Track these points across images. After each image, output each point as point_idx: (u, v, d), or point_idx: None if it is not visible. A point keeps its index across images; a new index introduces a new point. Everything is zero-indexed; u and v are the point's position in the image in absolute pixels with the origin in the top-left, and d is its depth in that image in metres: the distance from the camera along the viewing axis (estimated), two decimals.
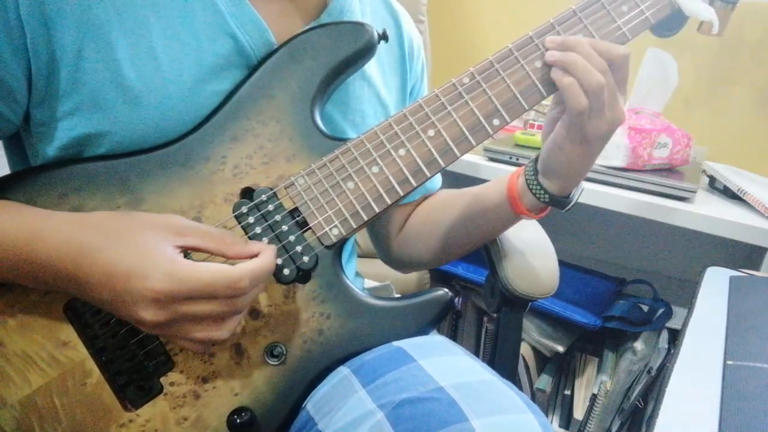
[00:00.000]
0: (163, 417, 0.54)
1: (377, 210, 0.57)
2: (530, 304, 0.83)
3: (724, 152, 1.35)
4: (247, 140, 0.57)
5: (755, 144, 1.35)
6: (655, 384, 1.23)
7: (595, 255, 1.54)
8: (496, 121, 0.59)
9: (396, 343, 0.56)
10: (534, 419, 0.47)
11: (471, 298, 1.46)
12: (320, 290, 0.57)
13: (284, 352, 0.56)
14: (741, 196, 1.11)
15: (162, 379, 0.54)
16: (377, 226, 0.82)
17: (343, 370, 0.55)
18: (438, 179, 0.81)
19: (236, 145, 0.57)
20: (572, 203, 0.65)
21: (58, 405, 0.53)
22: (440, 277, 1.43)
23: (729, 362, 0.59)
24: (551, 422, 1.37)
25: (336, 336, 0.57)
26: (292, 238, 0.56)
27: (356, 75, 0.65)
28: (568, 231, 1.53)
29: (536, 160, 0.65)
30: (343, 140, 0.58)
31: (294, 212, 0.57)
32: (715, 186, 1.21)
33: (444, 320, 1.06)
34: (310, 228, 0.57)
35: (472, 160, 1.23)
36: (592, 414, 1.31)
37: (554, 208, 0.65)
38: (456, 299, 1.47)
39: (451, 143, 0.58)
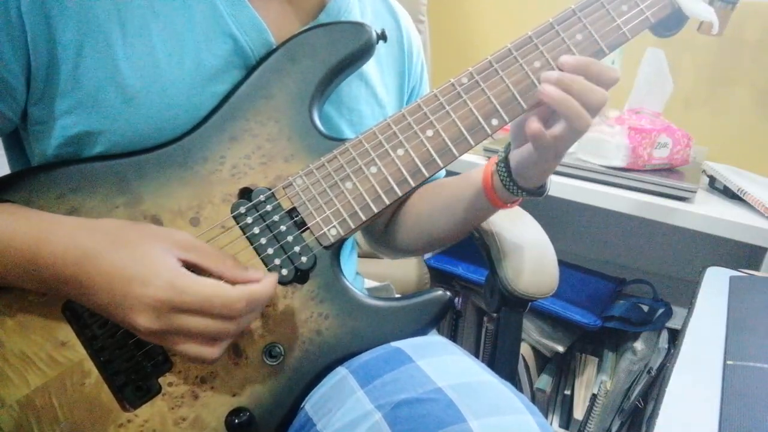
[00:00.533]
0: (162, 417, 0.54)
1: (375, 210, 0.57)
2: (530, 304, 0.83)
3: (724, 152, 1.35)
4: (245, 140, 0.57)
5: (755, 144, 1.34)
6: (655, 384, 1.23)
7: (595, 255, 1.54)
8: (494, 121, 0.58)
9: (394, 344, 0.56)
10: (532, 420, 0.47)
11: (471, 298, 1.46)
12: (319, 290, 0.57)
13: (282, 353, 0.56)
14: (741, 196, 1.11)
15: (160, 380, 0.54)
16: None
17: (341, 371, 0.55)
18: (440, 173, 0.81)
19: (234, 145, 0.57)
20: (546, 192, 0.67)
21: (56, 405, 0.53)
22: (440, 277, 1.43)
23: (729, 362, 0.59)
24: (551, 422, 1.37)
25: (334, 336, 0.57)
26: (290, 238, 0.56)
27: (354, 75, 0.65)
28: (568, 231, 1.52)
29: (506, 159, 0.64)
30: (342, 140, 0.58)
31: (292, 212, 0.57)
32: (715, 186, 1.21)
33: (443, 320, 1.06)
34: (308, 228, 0.57)
35: (472, 160, 1.23)
36: (592, 414, 1.30)
37: (530, 197, 0.66)
38: (456, 299, 1.47)
39: (449, 143, 0.58)
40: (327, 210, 0.57)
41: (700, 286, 0.78)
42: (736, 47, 1.32)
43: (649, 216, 1.08)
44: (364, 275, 0.86)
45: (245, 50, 0.58)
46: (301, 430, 0.55)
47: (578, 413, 1.32)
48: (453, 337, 1.51)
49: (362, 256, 1.40)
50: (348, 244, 0.75)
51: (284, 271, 0.56)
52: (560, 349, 1.33)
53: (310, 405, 0.55)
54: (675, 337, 1.24)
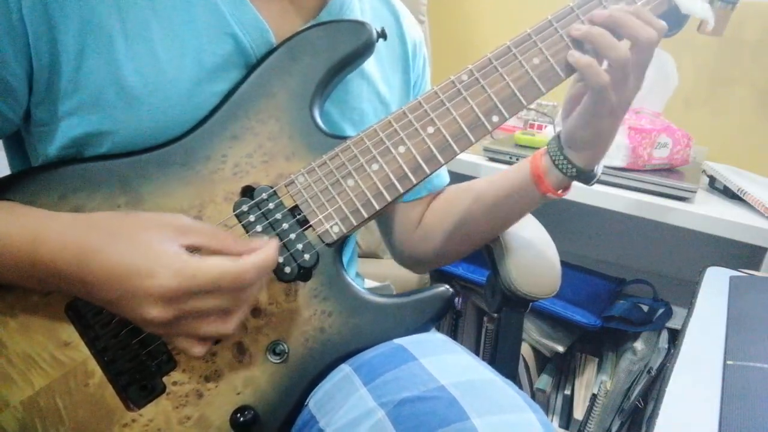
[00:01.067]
0: (166, 416, 0.54)
1: (377, 207, 0.57)
2: (531, 304, 0.83)
3: (724, 152, 1.35)
4: (246, 139, 0.57)
5: (755, 144, 1.35)
6: (655, 384, 1.23)
7: (595, 255, 1.54)
8: (495, 118, 0.59)
9: (397, 342, 0.56)
10: (535, 418, 0.47)
11: (471, 298, 1.46)
12: (321, 288, 0.57)
13: (286, 350, 0.56)
14: (741, 196, 1.11)
15: (164, 379, 0.54)
16: (391, 226, 0.82)
17: (344, 368, 0.55)
18: (445, 176, 0.81)
19: (236, 144, 0.57)
20: (597, 177, 0.67)
21: (60, 406, 0.52)
22: (440, 277, 1.43)
23: (729, 362, 0.59)
24: (551, 422, 1.37)
25: (337, 333, 0.57)
26: (292, 236, 0.56)
27: (355, 73, 0.65)
28: (569, 231, 1.52)
29: (557, 138, 0.65)
30: (343, 138, 0.59)
31: (294, 210, 0.57)
32: (715, 186, 1.21)
33: (445, 317, 1.06)
34: (310, 226, 0.57)
35: (472, 160, 1.23)
36: (592, 414, 1.31)
37: (580, 182, 0.67)
38: (456, 299, 1.47)
39: (450, 140, 0.58)
40: (329, 207, 0.57)
41: (700, 286, 0.78)
42: (736, 47, 1.32)
43: (649, 216, 1.08)
44: (364, 275, 0.86)
45: (246, 49, 0.58)
46: (304, 427, 0.55)
47: (578, 413, 1.32)
48: (453, 337, 1.51)
49: (362, 256, 1.40)
50: (350, 246, 0.75)
51: (287, 269, 0.56)
52: (560, 349, 1.33)
53: (313, 402, 0.55)
54: (675, 337, 1.24)
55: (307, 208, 0.57)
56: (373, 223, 0.80)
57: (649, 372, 1.24)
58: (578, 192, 1.12)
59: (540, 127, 1.34)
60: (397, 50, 0.73)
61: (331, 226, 0.57)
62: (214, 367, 0.55)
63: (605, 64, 0.58)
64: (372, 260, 1.39)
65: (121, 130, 0.54)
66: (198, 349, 0.51)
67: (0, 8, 0.49)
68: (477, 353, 1.46)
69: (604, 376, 1.30)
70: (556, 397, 1.39)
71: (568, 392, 1.35)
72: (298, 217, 0.57)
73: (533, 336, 1.35)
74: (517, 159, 1.20)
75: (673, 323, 1.32)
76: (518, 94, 0.58)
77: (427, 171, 0.58)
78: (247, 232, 0.56)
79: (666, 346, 1.26)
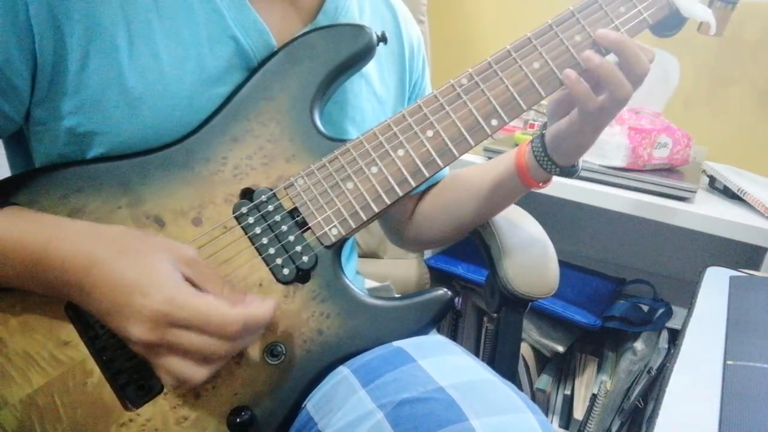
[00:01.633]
0: (163, 416, 0.54)
1: (376, 210, 0.57)
2: (530, 304, 0.83)
3: (724, 152, 1.35)
4: (247, 141, 0.57)
5: (755, 144, 1.35)
6: (655, 384, 1.23)
7: (595, 255, 1.54)
8: (494, 122, 0.59)
9: (396, 343, 0.56)
10: (534, 419, 0.47)
11: (471, 298, 1.46)
12: (320, 290, 0.57)
13: (284, 352, 0.56)
14: (741, 196, 1.11)
15: None
16: (387, 213, 0.83)
17: (342, 370, 0.55)
18: (445, 169, 0.82)
19: (236, 146, 0.57)
20: (578, 171, 0.70)
21: (58, 404, 0.53)
22: (440, 277, 1.43)
23: (729, 362, 0.59)
24: (551, 422, 1.37)
25: (335, 336, 0.57)
26: (291, 238, 0.56)
27: (356, 76, 0.65)
28: (569, 231, 1.53)
29: (541, 137, 0.67)
30: (343, 141, 0.59)
31: (293, 212, 0.57)
32: (715, 186, 1.21)
33: (444, 320, 1.06)
34: (309, 228, 0.57)
35: (472, 160, 1.23)
36: (592, 414, 1.31)
37: (563, 177, 0.70)
38: (456, 299, 1.47)
39: (449, 143, 0.58)
40: (328, 210, 0.57)
41: (700, 286, 0.78)
42: (736, 47, 1.32)
43: (649, 216, 1.08)
44: (364, 275, 0.86)
45: (247, 52, 0.58)
46: (302, 429, 0.55)
47: (578, 413, 1.32)
48: (453, 337, 1.51)
49: (362, 256, 1.40)
50: (348, 244, 0.75)
51: (285, 271, 0.56)
52: (560, 349, 1.33)
53: (311, 404, 0.55)
54: (675, 337, 1.24)
55: (306, 211, 0.57)
56: (373, 224, 0.80)
57: (649, 372, 1.24)
58: (578, 192, 1.12)
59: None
60: (395, 50, 0.73)
61: (330, 229, 0.57)
62: None
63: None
64: (372, 260, 1.40)
65: (122, 131, 0.54)
66: (170, 381, 0.50)
67: (7, 9, 0.50)
68: (477, 353, 1.46)
69: (604, 376, 1.30)
70: (556, 397, 1.39)
71: (568, 392, 1.35)
72: (297, 219, 0.57)
73: (533, 336, 1.35)
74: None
75: (673, 323, 1.32)
76: (518, 98, 0.59)
77: (427, 174, 0.58)
78: (246, 233, 0.56)
79: (666, 346, 1.26)
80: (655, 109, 1.15)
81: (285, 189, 0.57)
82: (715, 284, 0.78)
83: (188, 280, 0.49)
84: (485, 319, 1.45)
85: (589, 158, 1.16)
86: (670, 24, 0.63)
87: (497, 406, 0.47)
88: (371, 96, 0.69)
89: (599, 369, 1.34)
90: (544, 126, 0.68)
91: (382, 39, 0.61)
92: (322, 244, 0.57)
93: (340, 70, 0.60)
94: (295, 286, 0.57)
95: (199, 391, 0.54)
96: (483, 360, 0.56)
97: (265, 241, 0.56)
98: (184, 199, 0.56)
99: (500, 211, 0.79)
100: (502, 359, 0.84)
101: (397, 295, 0.83)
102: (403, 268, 1.33)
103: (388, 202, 0.58)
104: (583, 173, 1.13)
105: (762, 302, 0.72)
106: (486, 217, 0.79)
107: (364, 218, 0.57)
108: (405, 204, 0.82)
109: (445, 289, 0.59)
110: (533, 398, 1.35)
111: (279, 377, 0.56)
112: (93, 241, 0.50)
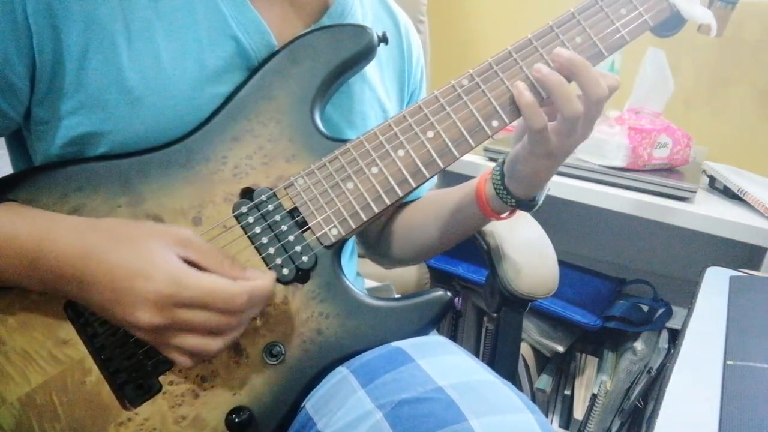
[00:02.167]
0: (162, 416, 0.54)
1: (376, 210, 0.57)
2: (530, 304, 0.83)
3: (724, 152, 1.35)
4: (247, 141, 0.57)
5: (755, 144, 1.35)
6: (655, 384, 1.23)
7: (595, 255, 1.54)
8: (495, 123, 0.59)
9: (395, 343, 0.56)
10: (533, 419, 0.47)
11: (471, 298, 1.46)
12: (319, 290, 0.57)
13: (283, 352, 0.56)
14: (741, 196, 1.11)
15: (161, 378, 0.54)
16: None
17: (342, 370, 0.55)
18: (425, 187, 0.80)
19: (236, 146, 0.57)
20: (537, 206, 0.66)
21: (57, 403, 0.53)
22: (440, 277, 1.43)
23: (729, 362, 0.59)
24: (551, 422, 1.37)
25: (335, 336, 0.57)
26: (291, 237, 0.56)
27: (357, 77, 0.65)
28: (568, 231, 1.52)
29: (503, 163, 0.65)
30: (343, 141, 0.59)
31: (293, 212, 0.57)
32: (715, 186, 1.21)
33: (443, 320, 1.06)
34: (309, 228, 0.57)
35: (472, 160, 1.23)
36: (592, 414, 1.31)
37: (521, 210, 0.66)
38: (456, 299, 1.47)
39: (450, 144, 0.58)
40: (328, 210, 0.57)
41: (700, 286, 0.78)
42: (736, 47, 1.32)
43: (649, 216, 1.08)
44: (364, 275, 0.87)
45: (247, 52, 0.58)
46: (301, 429, 0.55)
47: (578, 413, 1.32)
48: (453, 337, 1.51)
49: (362, 256, 1.40)
50: (348, 246, 0.75)
51: (285, 271, 0.56)
52: (560, 349, 1.33)
53: (310, 404, 0.55)
54: (675, 337, 1.24)
55: (306, 211, 0.57)
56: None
57: (649, 372, 1.24)
58: (578, 192, 1.12)
59: None
60: (396, 59, 0.74)
61: (330, 229, 0.57)
62: (210, 367, 0.55)
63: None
64: None
65: (122, 130, 0.54)
66: (184, 361, 0.51)
67: (4, 7, 0.50)
68: (477, 353, 1.46)
69: (604, 376, 1.30)
70: (556, 397, 1.39)
71: (568, 392, 1.35)
72: (297, 219, 0.57)
73: (533, 336, 1.35)
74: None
75: (673, 323, 1.32)
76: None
77: (427, 175, 0.58)
78: (246, 233, 0.56)
79: (666, 346, 1.26)
80: (655, 109, 1.15)
81: (285, 189, 0.57)
82: (715, 284, 0.78)
83: (187, 261, 0.50)
84: (485, 319, 1.45)
85: (589, 158, 1.16)
86: (670, 24, 0.62)
87: (496, 407, 0.47)
88: (374, 101, 0.69)
89: (599, 369, 1.34)
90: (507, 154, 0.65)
91: (383, 39, 0.61)
92: (321, 244, 0.57)
93: (341, 70, 0.60)
94: (294, 286, 0.57)
95: (198, 391, 0.54)
96: (483, 360, 0.56)
97: (264, 240, 0.56)
98: (183, 198, 0.56)
99: (463, 237, 0.75)
100: (502, 359, 0.84)
101: (397, 296, 0.84)
102: (403, 268, 1.33)
103: (388, 203, 0.58)
104: (582, 173, 1.14)
105: (762, 302, 0.72)
106: (449, 242, 0.75)
107: (364, 219, 0.57)
108: (378, 220, 0.80)
109: (445, 290, 0.59)
110: (533, 398, 1.35)
111: (278, 377, 0.56)
112: (87, 234, 0.50)
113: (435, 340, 0.58)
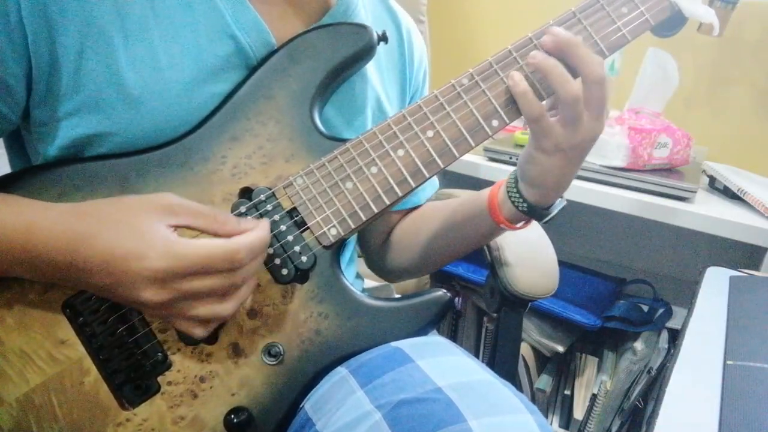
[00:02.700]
0: (160, 416, 0.54)
1: (376, 210, 0.57)
2: (530, 304, 0.83)
3: (724, 152, 1.35)
4: (246, 140, 0.57)
5: (755, 144, 1.35)
6: (655, 384, 1.23)
7: (595, 255, 1.54)
8: (495, 122, 0.58)
9: (394, 344, 0.56)
10: (532, 419, 0.47)
11: (471, 298, 1.46)
12: (318, 290, 0.57)
13: (282, 352, 0.56)
14: (741, 196, 1.11)
15: (159, 379, 0.54)
16: (363, 235, 0.82)
17: (341, 371, 0.55)
18: (426, 192, 0.80)
19: (235, 145, 0.57)
20: (550, 216, 0.63)
21: (55, 403, 0.53)
22: (440, 278, 1.43)
23: (729, 362, 0.59)
24: (551, 422, 1.37)
25: (334, 336, 0.57)
26: (290, 237, 0.56)
27: (357, 76, 0.65)
28: (568, 231, 1.52)
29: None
30: (342, 140, 0.58)
31: (292, 212, 0.57)
32: (715, 186, 1.21)
33: (443, 321, 1.06)
34: (308, 228, 0.57)
35: (472, 160, 1.23)
36: (592, 414, 1.31)
37: (532, 218, 0.63)
38: (456, 299, 1.47)
39: (450, 144, 0.58)
40: (327, 210, 0.57)
41: (700, 286, 0.78)
42: (736, 47, 1.32)
43: (649, 216, 1.08)
44: (364, 275, 0.86)
45: (246, 51, 0.58)
46: (300, 429, 0.55)
47: (578, 413, 1.32)
48: (453, 337, 1.51)
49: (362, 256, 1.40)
50: (349, 248, 0.75)
51: (284, 271, 0.56)
52: (560, 349, 1.33)
53: (309, 405, 0.55)
54: (675, 337, 1.24)
55: (305, 210, 0.57)
56: None
57: (649, 372, 1.24)
58: (578, 192, 1.12)
59: None
60: (396, 60, 0.73)
61: (329, 229, 0.57)
62: (209, 367, 0.55)
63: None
64: None
65: (120, 131, 0.54)
66: (199, 331, 0.51)
67: None
68: (477, 353, 1.46)
69: (604, 376, 1.30)
70: (556, 397, 1.39)
71: (568, 392, 1.35)
72: (296, 219, 0.57)
73: (533, 336, 1.35)
74: (517, 159, 1.20)
75: (673, 323, 1.32)
76: None
77: (427, 175, 0.58)
78: None
79: (666, 346, 1.26)
80: (655, 109, 1.15)
81: (284, 188, 0.57)
82: (715, 284, 0.78)
83: (177, 227, 0.49)
84: (485, 319, 1.45)
85: (589, 158, 1.15)
86: (671, 24, 0.62)
87: (495, 407, 0.47)
88: (374, 102, 0.69)
89: (599, 369, 1.34)
90: None
91: (383, 38, 0.61)
92: (320, 244, 0.57)
93: (340, 69, 0.60)
94: (293, 287, 0.57)
95: (197, 391, 0.54)
96: (483, 360, 0.56)
97: None
98: (182, 197, 0.56)
99: (473, 249, 0.72)
100: (502, 359, 0.84)
101: (396, 296, 0.83)
102: None
103: (388, 203, 0.57)
104: (583, 173, 1.14)
105: (762, 302, 0.72)
106: (456, 254, 0.73)
107: (364, 218, 0.57)
108: (379, 228, 0.79)
109: (444, 290, 0.59)
110: (533, 398, 1.35)
111: (277, 377, 0.55)
112: (73, 220, 0.49)
113: (434, 340, 0.57)
